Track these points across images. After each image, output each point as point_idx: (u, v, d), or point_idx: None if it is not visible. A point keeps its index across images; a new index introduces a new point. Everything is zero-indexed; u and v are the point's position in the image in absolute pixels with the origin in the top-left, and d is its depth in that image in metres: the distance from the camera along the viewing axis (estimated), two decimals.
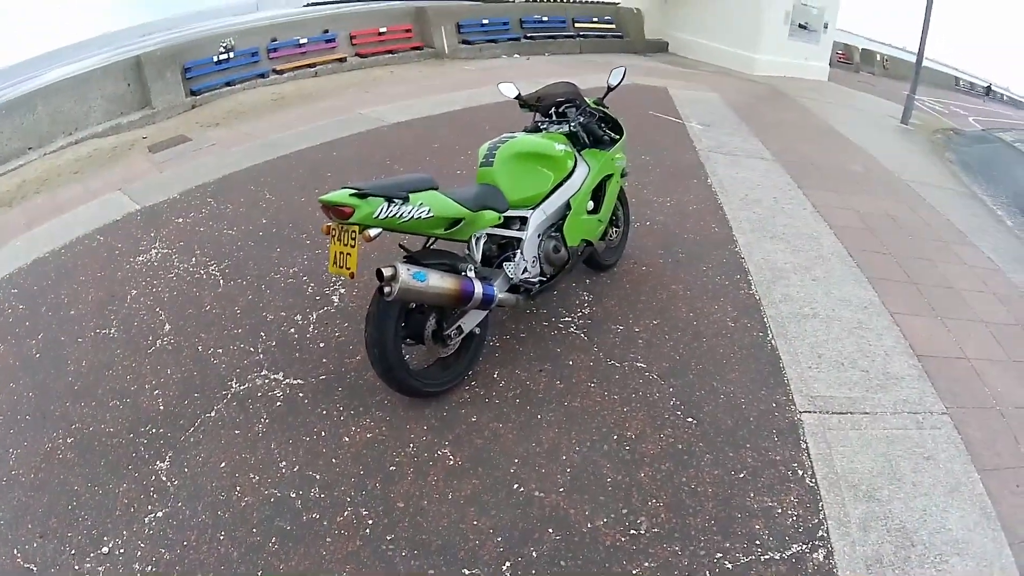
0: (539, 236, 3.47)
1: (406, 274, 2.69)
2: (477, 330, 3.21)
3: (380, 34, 13.31)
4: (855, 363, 3.69)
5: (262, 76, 11.15)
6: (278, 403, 3.24)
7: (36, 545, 2.63)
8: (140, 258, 4.75)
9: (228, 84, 10.67)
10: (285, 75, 11.31)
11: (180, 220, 5.34)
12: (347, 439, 3.01)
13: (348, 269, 2.68)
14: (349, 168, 6.34)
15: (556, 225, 3.57)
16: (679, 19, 18.17)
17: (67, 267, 4.80)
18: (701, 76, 14.10)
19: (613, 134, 3.98)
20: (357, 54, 12.69)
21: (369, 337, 2.88)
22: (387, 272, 2.67)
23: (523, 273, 3.37)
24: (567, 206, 3.57)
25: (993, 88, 41.36)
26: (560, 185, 3.53)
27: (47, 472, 2.98)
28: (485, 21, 14.86)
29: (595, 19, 16.98)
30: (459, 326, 3.08)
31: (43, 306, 4.31)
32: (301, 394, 3.29)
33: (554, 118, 3.79)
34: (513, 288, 3.39)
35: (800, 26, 17.47)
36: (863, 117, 13.51)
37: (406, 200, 2.71)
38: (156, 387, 3.42)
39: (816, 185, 6.77)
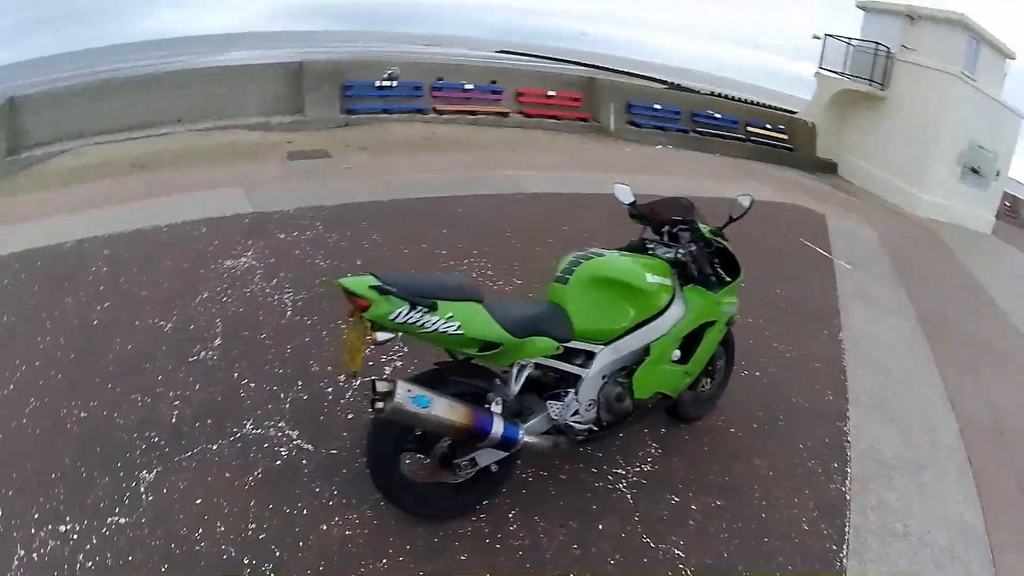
0: (604, 377, 2.93)
1: (404, 395, 2.34)
2: (495, 467, 2.76)
3: (548, 97, 13.13)
4: None
5: (420, 112, 11.27)
6: (278, 462, 3.01)
7: (9, 495, 2.72)
8: (227, 263, 4.84)
9: (385, 111, 10.86)
10: (444, 116, 11.36)
11: (282, 236, 5.43)
12: (325, 528, 2.69)
13: (350, 366, 2.36)
14: (465, 230, 6.14)
15: (628, 369, 3.01)
16: (853, 141, 17.28)
17: (160, 247, 5.01)
18: (863, 207, 13.14)
19: (726, 275, 3.37)
20: (521, 112, 12.59)
21: (366, 443, 2.60)
22: (381, 387, 2.34)
23: (572, 415, 2.88)
24: (646, 350, 3.00)
25: None
26: (645, 323, 2.96)
27: (50, 436, 3.03)
28: (657, 106, 14.70)
29: (768, 126, 16.43)
30: (473, 458, 2.67)
31: (122, 277, 4.48)
32: (304, 461, 3.03)
33: (664, 239, 3.28)
34: (556, 429, 2.91)
35: (972, 170, 16.26)
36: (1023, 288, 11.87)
37: (433, 308, 2.34)
38: (178, 398, 3.36)
39: (956, 363, 5.84)
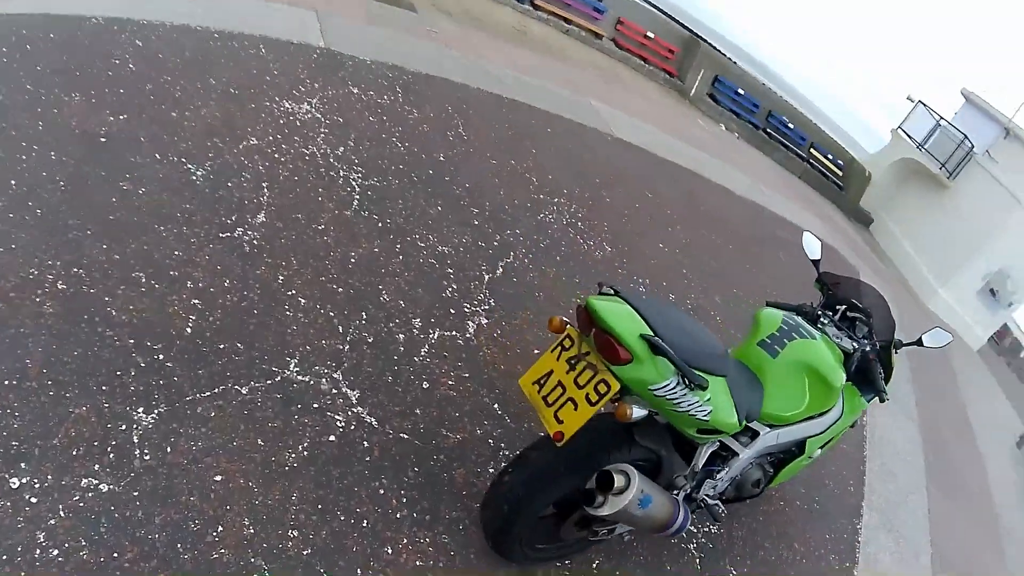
0: (752, 461, 2.60)
1: (636, 493, 1.85)
2: (628, 536, 2.47)
3: (646, 38, 12.66)
4: None
5: (520, 0, 10.56)
6: (331, 436, 2.25)
7: None
8: (287, 104, 3.80)
9: None
10: (539, 12, 10.77)
11: (356, 90, 4.39)
12: (389, 552, 2.02)
13: (560, 423, 1.78)
14: (555, 158, 5.39)
15: (775, 456, 2.73)
16: (898, 209, 17.16)
17: (208, 57, 3.88)
18: (886, 277, 13.07)
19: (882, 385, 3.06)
20: (614, 40, 12.04)
21: (507, 486, 1.99)
22: (620, 482, 1.85)
23: (712, 491, 2.51)
24: (800, 444, 2.70)
25: None
26: (812, 417, 2.61)
27: (7, 319, 2.04)
28: (740, 91, 14.20)
29: (830, 156, 16.13)
30: (614, 528, 2.26)
31: (150, 83, 3.38)
32: (365, 442, 2.30)
33: (833, 317, 2.84)
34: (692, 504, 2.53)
35: (990, 291, 16.32)
36: (993, 421, 12.39)
37: (702, 389, 1.80)
38: (198, 295, 2.44)
39: (938, 483, 5.90)
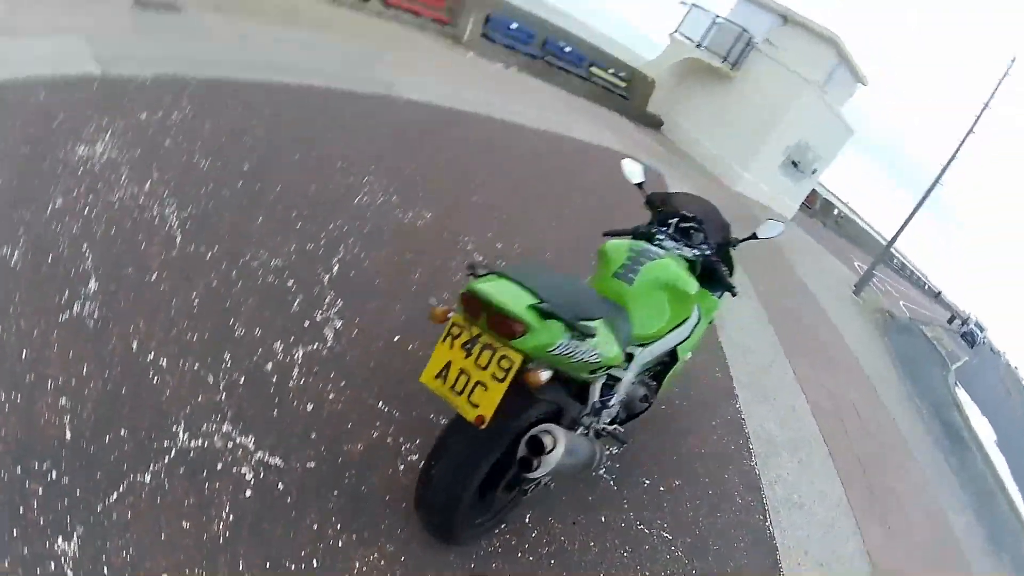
0: (633, 380, 2.82)
1: (564, 446, 1.98)
2: (551, 483, 2.67)
3: None
4: (830, 567, 3.70)
5: None
6: (247, 492, 2.18)
7: None
8: (80, 150, 3.39)
9: None
10: None
11: (144, 116, 4.00)
12: None
13: (476, 407, 1.84)
14: (351, 134, 5.37)
15: (651, 370, 3.00)
16: (686, 106, 18.34)
17: None
18: (688, 172, 14.35)
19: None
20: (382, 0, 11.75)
21: (436, 479, 2.06)
22: (548, 442, 1.96)
23: (608, 420, 2.73)
24: (672, 353, 2.98)
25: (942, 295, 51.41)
26: (676, 327, 2.88)
27: None
28: (514, 25, 14.15)
29: (611, 70, 16.74)
30: (539, 480, 2.41)
31: None
32: (280, 485, 2.26)
33: (670, 231, 3.05)
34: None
35: (792, 163, 18.45)
36: (825, 278, 14.44)
37: (592, 336, 1.95)
38: (61, 394, 2.18)
39: (792, 344, 6.94)
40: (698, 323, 3.08)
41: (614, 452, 3.29)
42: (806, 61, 16.59)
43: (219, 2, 7.27)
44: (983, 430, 15.95)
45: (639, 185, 3.24)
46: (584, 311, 1.98)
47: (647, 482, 3.30)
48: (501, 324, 1.80)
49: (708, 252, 3.00)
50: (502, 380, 1.81)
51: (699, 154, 17.51)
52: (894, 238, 16.43)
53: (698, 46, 17.60)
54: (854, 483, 4.87)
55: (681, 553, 2.97)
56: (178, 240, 3.11)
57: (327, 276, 3.45)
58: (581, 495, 2.95)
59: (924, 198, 15.63)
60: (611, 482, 3.15)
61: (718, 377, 4.96)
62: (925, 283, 55.62)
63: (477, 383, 1.84)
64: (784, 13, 17.07)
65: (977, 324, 51.13)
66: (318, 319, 3.10)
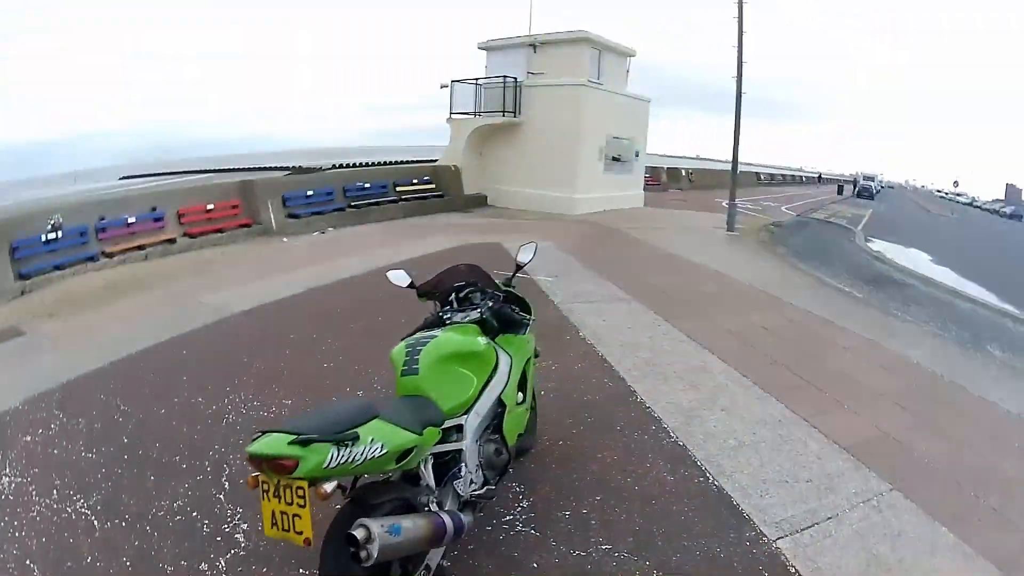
0: (477, 442, 3.06)
1: (380, 530, 2.21)
2: (446, 563, 2.77)
3: (208, 211, 13.10)
4: (797, 477, 3.84)
5: (92, 259, 10.60)
6: None
7: None
8: None
9: (57, 268, 9.92)
10: (115, 258, 10.83)
11: (28, 439, 4.53)
12: None
13: (300, 534, 2.12)
14: (207, 370, 5.68)
15: (490, 426, 3.20)
16: (496, 171, 19.12)
17: None
18: (528, 225, 14.82)
19: (525, 315, 3.66)
20: (186, 234, 12.24)
21: None
22: (360, 535, 2.18)
23: (470, 487, 2.93)
24: (499, 403, 3.21)
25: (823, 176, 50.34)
26: (488, 382, 3.16)
27: None
28: (310, 193, 15.02)
29: (415, 180, 17.69)
30: (427, 564, 2.64)
31: None
32: None
33: (456, 306, 3.44)
34: (464, 506, 2.93)
35: (613, 159, 19.55)
36: (692, 236, 15.06)
37: (357, 439, 2.26)
38: None
39: (681, 315, 7.30)
40: (512, 367, 3.30)
41: (480, 515, 3.26)
42: (568, 68, 17.76)
43: (52, 310, 8.05)
44: (917, 259, 17.11)
45: (410, 287, 3.51)
46: (343, 425, 2.28)
47: (567, 513, 3.43)
48: (277, 466, 2.10)
49: (491, 304, 3.35)
50: (303, 506, 2.10)
51: (529, 204, 18.01)
52: (734, 162, 17.15)
53: (476, 115, 18.54)
54: (791, 392, 5.08)
55: (627, 554, 3.09)
56: (96, 524, 3.46)
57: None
58: (504, 555, 3.09)
59: (737, 113, 16.44)
60: (531, 530, 3.29)
61: (610, 386, 5.18)
62: (802, 177, 59.16)
63: (293, 515, 2.13)
64: (531, 42, 18.52)
65: (866, 177, 54.41)
66: (227, 530, 3.38)
